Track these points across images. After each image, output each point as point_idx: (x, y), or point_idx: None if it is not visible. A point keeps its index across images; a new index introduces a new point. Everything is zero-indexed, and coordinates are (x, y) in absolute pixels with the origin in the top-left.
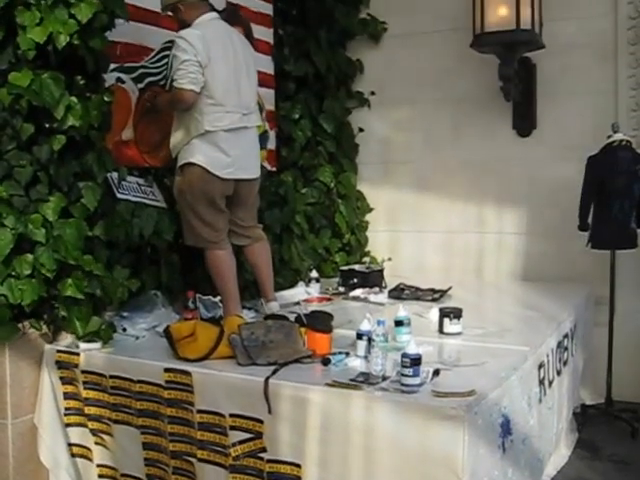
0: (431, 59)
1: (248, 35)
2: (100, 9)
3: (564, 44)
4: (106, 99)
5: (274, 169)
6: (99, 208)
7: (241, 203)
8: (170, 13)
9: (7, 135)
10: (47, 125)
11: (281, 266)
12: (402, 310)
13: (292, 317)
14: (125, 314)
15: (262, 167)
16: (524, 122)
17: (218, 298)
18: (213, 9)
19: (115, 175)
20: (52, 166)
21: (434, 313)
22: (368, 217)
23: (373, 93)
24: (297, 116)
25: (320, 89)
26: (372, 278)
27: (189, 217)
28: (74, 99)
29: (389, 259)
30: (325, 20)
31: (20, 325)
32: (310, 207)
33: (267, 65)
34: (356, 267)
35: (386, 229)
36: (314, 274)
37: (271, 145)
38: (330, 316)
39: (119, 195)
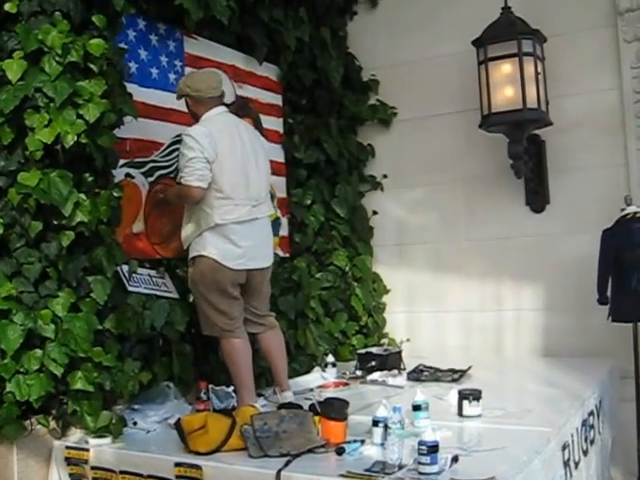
0: (441, 141)
1: (257, 126)
2: (108, 108)
3: (572, 120)
4: (115, 194)
5: (287, 255)
6: (109, 301)
7: (254, 291)
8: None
9: (16, 233)
10: (55, 222)
11: (297, 352)
12: (420, 394)
13: (308, 404)
14: (136, 407)
15: (275, 254)
16: (537, 198)
17: (231, 388)
18: (222, 102)
19: (126, 268)
20: (61, 262)
21: (453, 395)
22: (385, 299)
23: (385, 176)
24: (309, 202)
25: (332, 174)
26: (390, 360)
27: (203, 307)
28: (82, 196)
29: (407, 340)
30: (335, 107)
31: (28, 422)
32: (325, 291)
33: (278, 154)
34: (373, 350)
35: (404, 310)
36: (330, 359)
37: (284, 232)
38: (345, 403)
39: (130, 288)
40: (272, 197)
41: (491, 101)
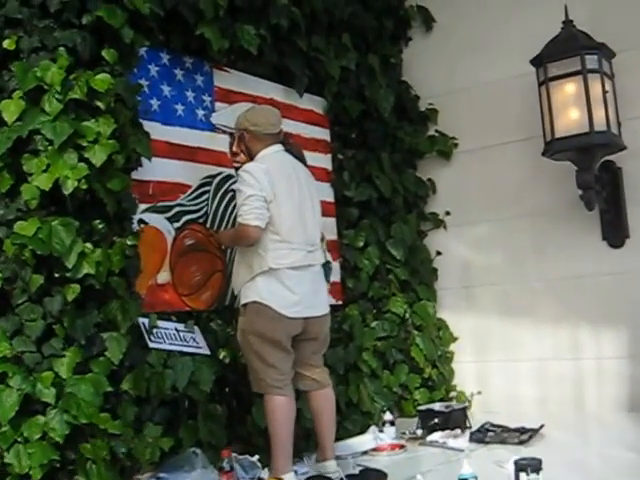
0: (505, 172)
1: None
2: (116, 150)
3: None
4: (129, 243)
5: (340, 302)
6: (126, 360)
7: (310, 342)
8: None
9: (18, 288)
10: (57, 275)
11: (349, 410)
12: (467, 465)
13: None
14: (162, 475)
15: None
16: (615, 232)
17: (256, 457)
18: (280, 141)
19: (147, 322)
20: (66, 318)
21: (511, 464)
22: (452, 347)
23: (448, 213)
24: (362, 244)
25: (386, 213)
26: (453, 418)
27: (251, 360)
28: (89, 245)
29: (479, 393)
30: (388, 140)
31: None
32: (382, 342)
33: (326, 193)
34: (435, 406)
35: (473, 359)
36: (388, 416)
37: (335, 277)
38: (382, 475)
39: (151, 344)
40: (322, 238)
41: (554, 125)
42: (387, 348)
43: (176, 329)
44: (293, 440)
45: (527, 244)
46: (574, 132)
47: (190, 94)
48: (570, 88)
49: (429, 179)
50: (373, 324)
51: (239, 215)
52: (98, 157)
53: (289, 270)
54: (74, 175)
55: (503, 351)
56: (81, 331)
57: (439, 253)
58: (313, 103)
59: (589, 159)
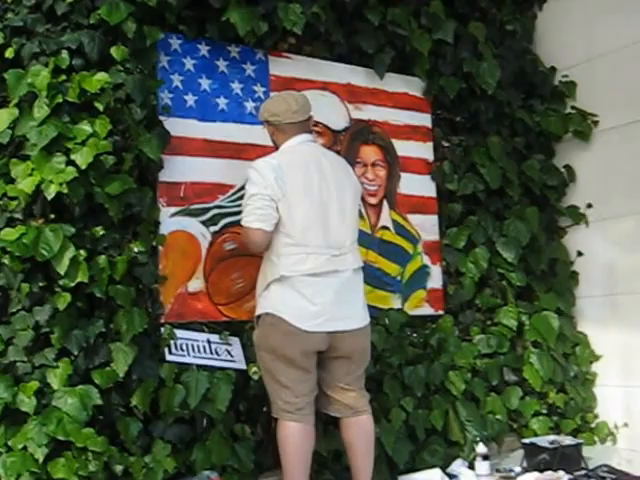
0: None
1: (389, 155)
2: (106, 150)
3: None
4: (136, 249)
5: (440, 312)
6: (134, 373)
7: (341, 361)
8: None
9: (14, 296)
10: (41, 283)
11: (429, 438)
12: None
13: None
14: None
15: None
16: None
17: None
18: (307, 130)
19: (176, 333)
20: (57, 328)
21: None
22: (595, 367)
23: (590, 205)
24: (462, 244)
25: (499, 208)
26: (564, 456)
27: (266, 379)
28: (82, 252)
29: (625, 425)
30: (503, 122)
31: None
32: (486, 359)
33: (426, 187)
34: (540, 440)
35: (619, 383)
36: (481, 449)
37: (434, 283)
38: None
39: (169, 357)
40: (416, 241)
41: None
42: (493, 367)
43: (209, 341)
44: (309, 473)
45: None
46: None
47: (236, 85)
48: None
49: (566, 166)
50: (477, 338)
51: (242, 217)
52: (83, 159)
53: (307, 277)
54: (58, 179)
55: None
56: (75, 341)
57: (580, 254)
58: (407, 84)
59: None
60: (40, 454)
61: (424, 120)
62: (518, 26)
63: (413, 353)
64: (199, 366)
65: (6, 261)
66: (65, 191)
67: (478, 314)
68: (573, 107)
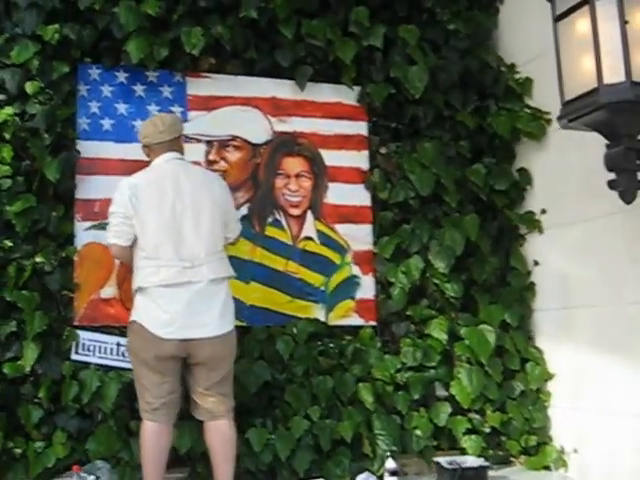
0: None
1: (316, 165)
2: (7, 174)
3: None
4: (37, 260)
5: (372, 322)
6: (40, 368)
7: (199, 367)
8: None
9: None
10: None
11: (337, 449)
12: None
13: None
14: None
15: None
16: None
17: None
18: (174, 148)
19: (83, 335)
20: None
21: None
22: (549, 386)
23: (544, 211)
24: (388, 254)
25: (438, 216)
26: (467, 478)
27: (135, 381)
28: None
29: (574, 451)
30: (441, 126)
31: None
32: (412, 373)
33: (359, 196)
34: (443, 461)
35: (570, 405)
36: (390, 464)
37: (364, 293)
38: None
39: (74, 356)
40: (345, 250)
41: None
42: (417, 381)
43: (118, 343)
44: (164, 472)
45: (619, 252)
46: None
47: (153, 108)
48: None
49: (520, 169)
50: (403, 351)
51: None
52: None
53: (160, 288)
54: None
55: (603, 398)
56: None
57: (537, 263)
58: (340, 94)
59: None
60: None
61: (359, 128)
62: (461, 25)
63: (326, 363)
64: (102, 366)
65: None
66: None
67: (413, 326)
68: (527, 106)
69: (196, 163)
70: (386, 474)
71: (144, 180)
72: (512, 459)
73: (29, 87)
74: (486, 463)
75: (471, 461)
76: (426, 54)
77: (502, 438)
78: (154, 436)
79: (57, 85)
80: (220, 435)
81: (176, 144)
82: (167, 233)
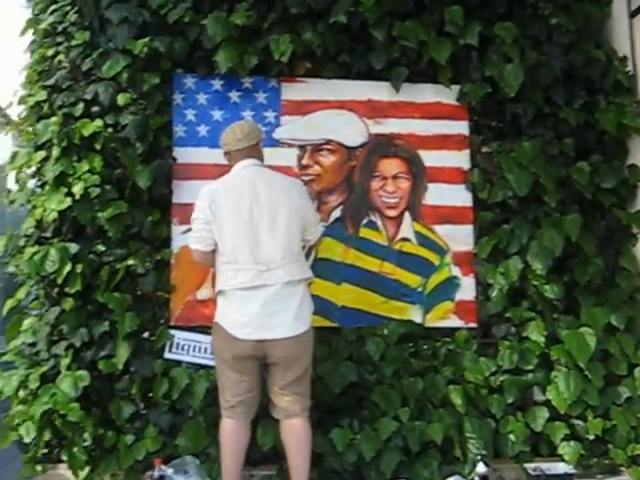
0: None
1: (414, 166)
2: (94, 183)
3: None
4: (130, 262)
5: (472, 324)
6: (132, 365)
7: (275, 367)
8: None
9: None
10: (48, 289)
11: (426, 451)
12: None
13: None
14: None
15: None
16: None
17: (190, 460)
18: (252, 155)
19: (178, 334)
20: (65, 325)
21: None
22: None
23: None
24: (485, 254)
25: (538, 216)
26: None
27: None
28: (79, 266)
29: None
30: (543, 123)
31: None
32: (508, 376)
33: (460, 196)
34: (531, 467)
35: None
36: (481, 468)
37: (464, 295)
38: None
39: (167, 355)
40: (443, 251)
41: None
42: (512, 384)
43: (211, 343)
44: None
45: None
46: None
47: (247, 114)
48: None
49: (631, 165)
50: (500, 353)
51: None
52: (77, 190)
53: (238, 291)
54: (58, 207)
55: None
56: (79, 336)
57: None
58: (440, 93)
59: None
60: (38, 419)
61: (460, 128)
62: (564, 19)
63: (417, 365)
64: (195, 364)
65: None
66: (56, 216)
67: (514, 328)
68: (637, 101)
69: (288, 168)
70: (476, 478)
71: (223, 186)
72: (622, 469)
73: (121, 99)
74: (572, 471)
75: (558, 468)
76: (524, 51)
77: (609, 446)
78: (232, 433)
79: (149, 95)
80: (295, 433)
81: (255, 150)
82: (244, 237)
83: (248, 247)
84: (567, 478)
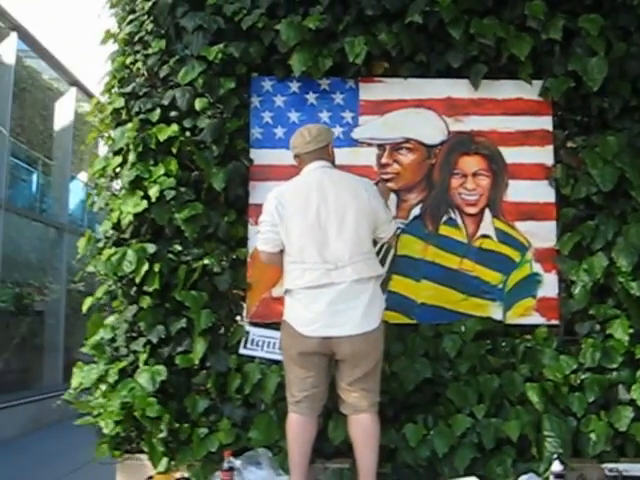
0: None
1: (495, 163)
2: (170, 186)
3: None
4: (206, 262)
5: (555, 321)
6: (208, 360)
7: (342, 364)
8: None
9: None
10: (125, 289)
11: (502, 448)
12: None
13: None
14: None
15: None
16: None
17: (263, 453)
18: (322, 157)
19: (253, 331)
20: (142, 322)
21: None
22: None
23: None
24: (567, 250)
25: (624, 212)
26: None
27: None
28: (157, 265)
29: None
30: (631, 117)
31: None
32: (589, 374)
33: (542, 192)
34: (609, 467)
35: None
36: (557, 467)
37: (548, 292)
38: None
39: (242, 351)
40: (524, 248)
41: None
42: (593, 383)
43: None
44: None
45: None
46: None
47: (324, 115)
48: None
49: None
50: (583, 351)
51: None
52: (153, 193)
53: (304, 290)
54: (134, 209)
55: None
56: (156, 333)
57: None
58: (520, 89)
59: None
60: (117, 413)
61: (542, 123)
62: None
63: (495, 362)
64: (269, 360)
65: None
66: (132, 219)
67: (598, 325)
68: None
69: (368, 167)
70: (551, 476)
71: (291, 188)
72: None
73: (198, 103)
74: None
75: (634, 469)
76: (611, 43)
77: None
78: (298, 427)
79: (226, 99)
80: (362, 429)
81: (324, 153)
82: (311, 237)
83: (315, 247)
84: None
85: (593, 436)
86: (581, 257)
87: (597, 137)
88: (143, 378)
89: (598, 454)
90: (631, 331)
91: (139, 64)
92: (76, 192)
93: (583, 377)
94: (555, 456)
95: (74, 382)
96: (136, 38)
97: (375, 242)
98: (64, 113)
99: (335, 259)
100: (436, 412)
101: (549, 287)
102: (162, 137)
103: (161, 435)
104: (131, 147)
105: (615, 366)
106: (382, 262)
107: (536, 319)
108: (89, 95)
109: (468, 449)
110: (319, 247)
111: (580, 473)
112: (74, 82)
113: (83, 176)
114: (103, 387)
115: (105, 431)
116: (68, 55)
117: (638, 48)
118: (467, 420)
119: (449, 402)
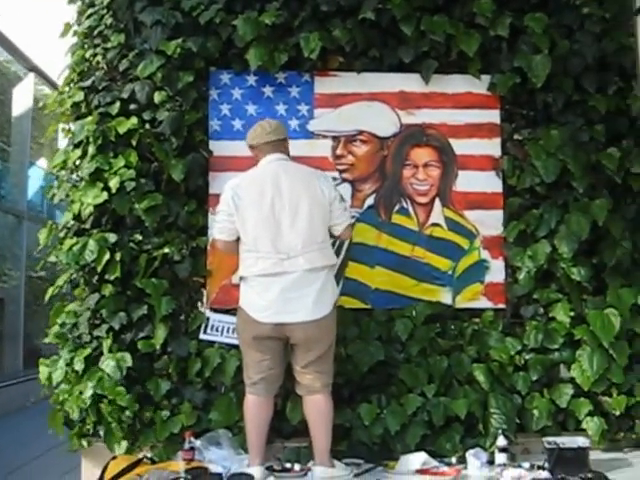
0: None
1: (445, 154)
2: (129, 178)
3: None
4: (166, 250)
5: (501, 305)
6: (169, 346)
7: (296, 347)
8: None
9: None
10: (88, 277)
11: (450, 425)
12: None
13: None
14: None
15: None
16: None
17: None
18: (278, 150)
19: (213, 317)
20: (104, 310)
21: None
22: None
23: None
24: (512, 239)
25: (566, 202)
26: (564, 459)
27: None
28: (119, 254)
29: None
30: (573, 111)
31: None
32: (533, 354)
33: (490, 183)
34: (548, 441)
35: None
36: (501, 441)
37: (495, 277)
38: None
39: (202, 336)
40: (472, 235)
41: None
42: (536, 362)
43: None
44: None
45: None
46: None
47: (280, 107)
48: None
49: None
50: (526, 333)
51: None
52: (113, 184)
53: (258, 277)
54: (94, 201)
55: None
56: (118, 320)
57: None
58: (469, 84)
59: None
60: (87, 402)
61: (490, 117)
62: (596, 8)
63: (444, 344)
64: (228, 344)
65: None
66: (92, 210)
67: (542, 309)
68: None
69: (323, 158)
70: (496, 450)
71: (247, 180)
72: None
73: (157, 97)
74: (587, 444)
75: (571, 442)
76: (555, 41)
77: (636, 421)
78: (255, 408)
79: (184, 93)
80: (316, 408)
81: (282, 146)
82: (265, 228)
83: (269, 237)
84: (581, 451)
85: (536, 412)
86: (526, 244)
87: (542, 130)
88: (109, 367)
89: (541, 429)
90: (572, 314)
91: (99, 57)
92: (35, 178)
93: (527, 357)
94: (500, 432)
95: (42, 377)
96: (95, 32)
97: (332, 234)
98: (22, 99)
99: (288, 249)
100: (389, 392)
101: (496, 273)
102: (122, 130)
103: (124, 419)
104: (91, 140)
105: (557, 347)
106: (337, 252)
107: (484, 303)
108: (49, 81)
109: (419, 426)
110: (272, 237)
111: (524, 447)
112: (32, 67)
113: (42, 162)
114: (68, 374)
115: (72, 417)
116: (26, 41)
117: (581, 46)
118: (418, 399)
119: (401, 382)
